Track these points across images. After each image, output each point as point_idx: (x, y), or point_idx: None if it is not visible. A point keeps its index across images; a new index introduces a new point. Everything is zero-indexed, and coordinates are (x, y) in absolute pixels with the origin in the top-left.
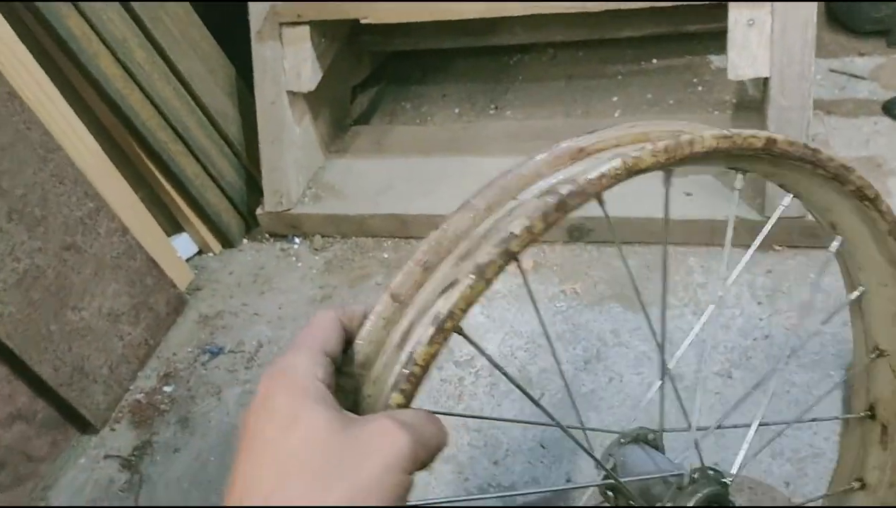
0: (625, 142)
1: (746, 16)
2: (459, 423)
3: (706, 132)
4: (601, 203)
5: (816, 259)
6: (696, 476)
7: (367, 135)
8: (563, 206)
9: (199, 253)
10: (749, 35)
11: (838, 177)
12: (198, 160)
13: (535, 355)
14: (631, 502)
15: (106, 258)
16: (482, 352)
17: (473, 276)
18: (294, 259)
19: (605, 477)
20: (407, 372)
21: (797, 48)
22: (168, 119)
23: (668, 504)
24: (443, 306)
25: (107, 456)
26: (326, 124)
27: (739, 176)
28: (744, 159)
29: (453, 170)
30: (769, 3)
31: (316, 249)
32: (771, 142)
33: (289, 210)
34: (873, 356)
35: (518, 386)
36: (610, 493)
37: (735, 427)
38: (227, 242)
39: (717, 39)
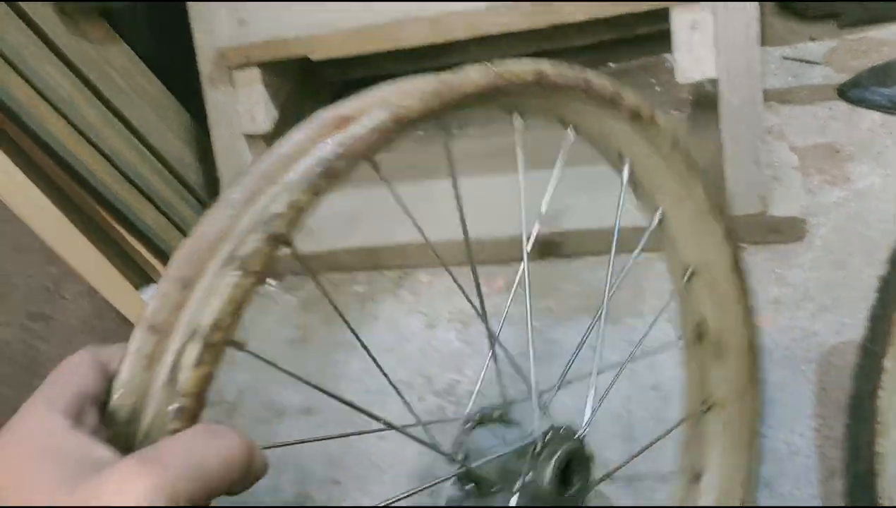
0: (393, 100)
1: (688, 18)
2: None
3: (472, 71)
4: (376, 167)
5: (780, 254)
6: (548, 438)
7: None
8: (331, 172)
9: None
10: (693, 37)
11: (614, 100)
12: (158, 209)
13: (514, 379)
14: (492, 485)
15: (75, 323)
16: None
17: (238, 272)
18: (268, 300)
19: (460, 468)
20: (177, 406)
21: (741, 45)
22: (123, 171)
23: (529, 475)
24: (207, 318)
25: None
26: None
27: (518, 117)
28: (516, 97)
29: (421, 195)
30: (710, 4)
31: (289, 289)
32: (540, 74)
33: None
34: (687, 278)
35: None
36: (471, 484)
37: (577, 380)
38: None
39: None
